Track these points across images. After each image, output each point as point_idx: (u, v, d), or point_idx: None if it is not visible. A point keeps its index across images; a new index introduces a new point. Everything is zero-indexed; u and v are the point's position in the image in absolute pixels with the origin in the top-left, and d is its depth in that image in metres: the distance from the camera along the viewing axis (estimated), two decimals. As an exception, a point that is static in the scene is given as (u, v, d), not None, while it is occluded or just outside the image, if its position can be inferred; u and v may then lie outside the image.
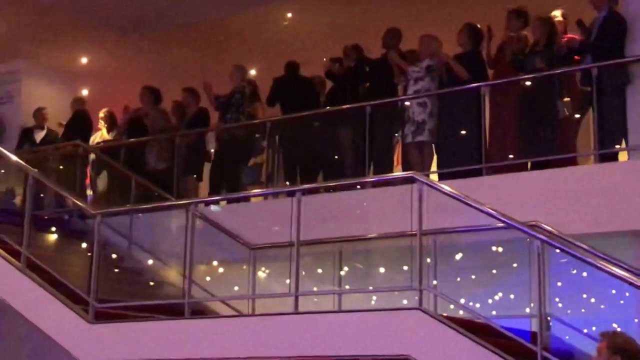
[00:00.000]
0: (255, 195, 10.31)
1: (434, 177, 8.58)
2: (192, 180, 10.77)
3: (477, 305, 8.28)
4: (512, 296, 8.84)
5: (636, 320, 7.53)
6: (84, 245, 9.55)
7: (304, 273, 7.14)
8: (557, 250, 6.16)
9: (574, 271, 7.93)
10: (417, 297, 6.30)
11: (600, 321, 8.81)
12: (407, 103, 9.08)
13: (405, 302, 7.37)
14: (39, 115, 12.13)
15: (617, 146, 7.93)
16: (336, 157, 9.83)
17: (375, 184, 8.45)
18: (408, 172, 7.84)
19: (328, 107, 10.10)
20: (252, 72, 12.76)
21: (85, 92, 13.51)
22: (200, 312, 8.20)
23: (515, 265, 8.25)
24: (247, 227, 8.82)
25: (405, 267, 7.35)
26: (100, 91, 13.54)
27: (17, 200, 10.29)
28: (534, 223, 6.62)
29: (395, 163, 9.70)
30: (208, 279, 9.07)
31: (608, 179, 7.37)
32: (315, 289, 8.44)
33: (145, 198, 10.13)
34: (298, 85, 10.54)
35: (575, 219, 7.25)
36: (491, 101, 8.75)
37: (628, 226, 7.19)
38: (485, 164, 8.26)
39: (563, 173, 7.65)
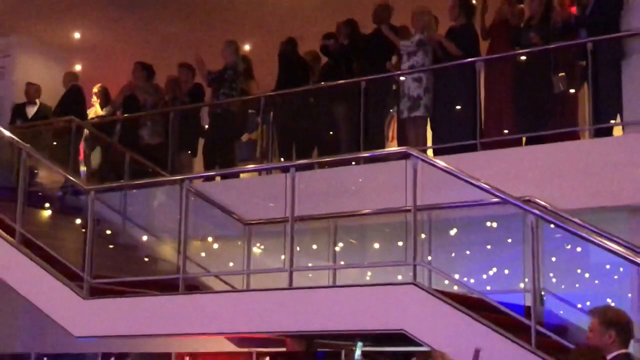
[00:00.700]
0: (249, 171, 10.30)
1: (429, 152, 8.57)
2: (187, 156, 10.75)
3: (472, 280, 8.31)
4: (506, 271, 8.86)
5: (630, 295, 7.55)
6: (78, 221, 9.54)
7: (298, 249, 7.14)
8: (552, 225, 6.18)
9: (568, 246, 7.95)
10: (411, 273, 6.32)
11: (594, 296, 8.86)
12: (402, 78, 9.04)
13: (399, 277, 7.39)
14: (30, 89, 12.06)
15: (612, 121, 7.92)
16: (331, 133, 9.81)
17: (369, 160, 8.43)
18: (402, 148, 7.81)
19: (322, 83, 10.06)
20: (247, 47, 12.70)
21: (78, 68, 13.42)
22: (194, 287, 8.21)
23: (509, 240, 8.26)
24: (241, 203, 8.81)
25: (400, 243, 7.35)
26: (93, 67, 13.45)
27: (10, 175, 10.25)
28: (528, 198, 6.62)
29: (389, 138, 9.68)
30: (203, 254, 9.07)
31: (603, 154, 7.37)
32: (310, 264, 8.45)
33: (140, 174, 10.11)
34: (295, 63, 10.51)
35: (570, 194, 7.25)
36: (486, 76, 8.72)
37: (623, 201, 7.20)
38: (480, 139, 8.24)
39: (558, 148, 7.64)
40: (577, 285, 9.20)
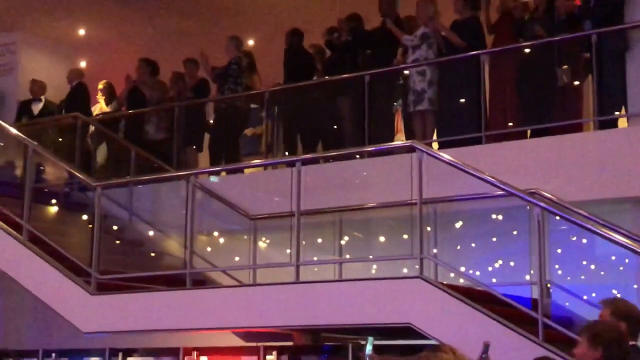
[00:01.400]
0: (255, 166, 10.29)
1: (434, 145, 8.57)
2: (193, 151, 10.77)
3: (478, 273, 8.32)
4: (512, 264, 8.87)
5: (635, 286, 7.56)
6: (85, 217, 9.57)
7: (304, 243, 7.16)
8: (557, 218, 6.18)
9: (574, 238, 7.95)
10: (417, 266, 6.33)
11: (600, 288, 8.87)
12: (406, 72, 9.04)
13: (405, 270, 7.40)
14: (36, 86, 12.08)
15: (617, 113, 7.91)
16: (335, 126, 9.81)
17: (375, 153, 8.43)
18: (408, 141, 7.82)
19: (327, 77, 10.06)
20: (250, 42, 12.71)
21: (83, 64, 13.44)
22: (201, 282, 8.24)
23: (515, 232, 8.27)
24: (247, 197, 8.83)
25: (406, 236, 7.36)
26: (98, 63, 13.47)
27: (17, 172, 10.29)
28: (534, 190, 6.63)
29: (395, 132, 9.68)
30: (209, 249, 9.10)
31: (608, 146, 7.35)
32: (315, 258, 8.47)
33: (146, 169, 10.13)
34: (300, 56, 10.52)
35: (575, 186, 7.25)
36: (491, 69, 8.71)
37: (628, 193, 7.19)
38: (485, 132, 8.24)
39: (563, 140, 7.63)
40: (582, 277, 9.20)
